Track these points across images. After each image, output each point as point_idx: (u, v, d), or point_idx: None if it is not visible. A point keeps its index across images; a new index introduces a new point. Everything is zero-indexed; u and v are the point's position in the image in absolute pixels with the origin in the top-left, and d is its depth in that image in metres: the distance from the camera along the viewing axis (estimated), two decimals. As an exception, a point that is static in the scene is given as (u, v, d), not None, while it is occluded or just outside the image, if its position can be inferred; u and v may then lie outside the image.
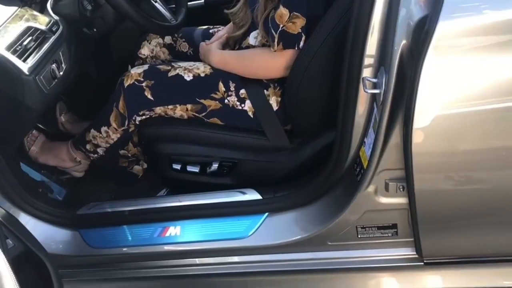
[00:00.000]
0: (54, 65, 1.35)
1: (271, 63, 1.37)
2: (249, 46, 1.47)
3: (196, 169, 1.51)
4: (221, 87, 1.43)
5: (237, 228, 1.42)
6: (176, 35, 1.72)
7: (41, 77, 1.30)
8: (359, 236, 1.34)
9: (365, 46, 1.12)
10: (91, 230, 1.48)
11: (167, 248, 1.45)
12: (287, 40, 1.31)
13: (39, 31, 1.38)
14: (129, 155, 1.61)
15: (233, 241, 1.42)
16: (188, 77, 1.45)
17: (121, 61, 1.83)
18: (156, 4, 1.60)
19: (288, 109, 1.41)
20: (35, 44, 1.34)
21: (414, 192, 1.15)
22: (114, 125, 1.51)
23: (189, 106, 1.45)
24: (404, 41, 1.06)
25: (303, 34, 1.29)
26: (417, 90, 1.02)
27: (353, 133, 1.24)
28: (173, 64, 1.51)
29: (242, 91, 1.43)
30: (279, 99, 1.42)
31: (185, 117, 1.47)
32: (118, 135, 1.53)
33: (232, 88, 1.43)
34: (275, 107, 1.42)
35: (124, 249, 1.46)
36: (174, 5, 1.73)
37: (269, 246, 1.40)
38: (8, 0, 1.41)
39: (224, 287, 1.53)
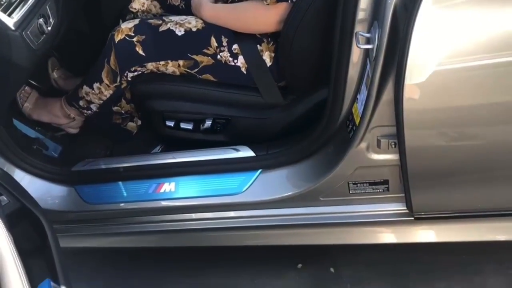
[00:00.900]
0: (41, 20, 1.31)
1: (264, 16, 1.34)
2: (241, 0, 1.44)
3: (189, 126, 1.51)
4: (214, 42, 1.40)
5: (231, 184, 1.43)
6: (167, -13, 1.68)
7: (28, 32, 1.27)
8: (350, 192, 1.36)
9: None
10: (86, 186, 1.50)
11: (162, 203, 1.47)
12: (280, -8, 1.27)
13: (23, -16, 1.33)
14: (123, 111, 1.60)
15: (227, 196, 1.43)
16: (180, 32, 1.42)
17: (112, 15, 1.79)
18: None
19: (282, 64, 1.39)
20: (20, -2, 1.30)
21: (405, 149, 1.16)
22: (106, 81, 1.50)
23: (181, 62, 1.43)
24: (398, -6, 1.03)
25: (296, -14, 1.26)
26: (410, 44, 1.00)
27: (346, 89, 1.24)
28: (164, 18, 1.48)
29: (235, 46, 1.40)
30: (273, 54, 1.40)
31: (178, 73, 1.45)
32: (111, 92, 1.52)
33: (224, 43, 1.40)
34: (268, 62, 1.40)
35: (120, 204, 1.48)
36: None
37: (263, 201, 1.42)
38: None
39: (220, 241, 1.56)
